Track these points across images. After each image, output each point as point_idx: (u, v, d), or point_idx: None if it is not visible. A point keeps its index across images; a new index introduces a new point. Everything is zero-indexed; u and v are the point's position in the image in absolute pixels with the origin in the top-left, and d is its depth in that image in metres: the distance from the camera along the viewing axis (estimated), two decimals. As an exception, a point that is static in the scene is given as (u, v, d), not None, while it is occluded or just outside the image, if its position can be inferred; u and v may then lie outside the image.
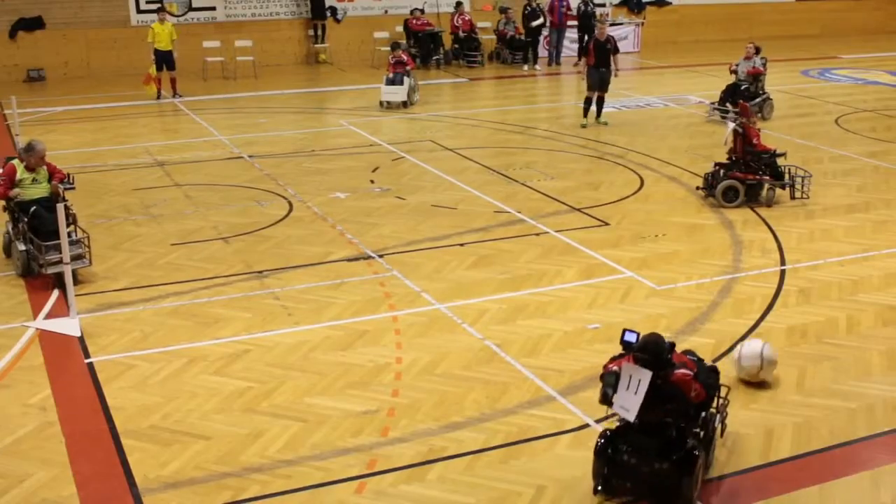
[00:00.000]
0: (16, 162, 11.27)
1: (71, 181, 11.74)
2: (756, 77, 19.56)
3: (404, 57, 21.12)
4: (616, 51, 19.18)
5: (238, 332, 9.68)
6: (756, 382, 8.53)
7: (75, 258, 10.70)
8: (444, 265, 11.46)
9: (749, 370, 8.49)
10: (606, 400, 6.81)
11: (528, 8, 27.03)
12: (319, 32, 27.46)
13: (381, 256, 11.74)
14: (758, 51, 19.76)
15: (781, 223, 12.93)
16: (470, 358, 9.10)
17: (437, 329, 9.73)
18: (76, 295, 10.12)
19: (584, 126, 18.96)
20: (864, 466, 7.31)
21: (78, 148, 17.52)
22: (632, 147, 17.27)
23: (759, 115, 18.32)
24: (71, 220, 11.10)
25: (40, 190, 11.24)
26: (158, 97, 22.37)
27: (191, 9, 25.72)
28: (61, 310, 10.12)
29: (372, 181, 15.13)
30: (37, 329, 9.76)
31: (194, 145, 17.67)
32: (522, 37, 27.58)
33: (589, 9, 27.21)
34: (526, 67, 26.87)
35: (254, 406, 8.23)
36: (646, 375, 6.63)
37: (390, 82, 20.96)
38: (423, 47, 27.04)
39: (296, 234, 12.58)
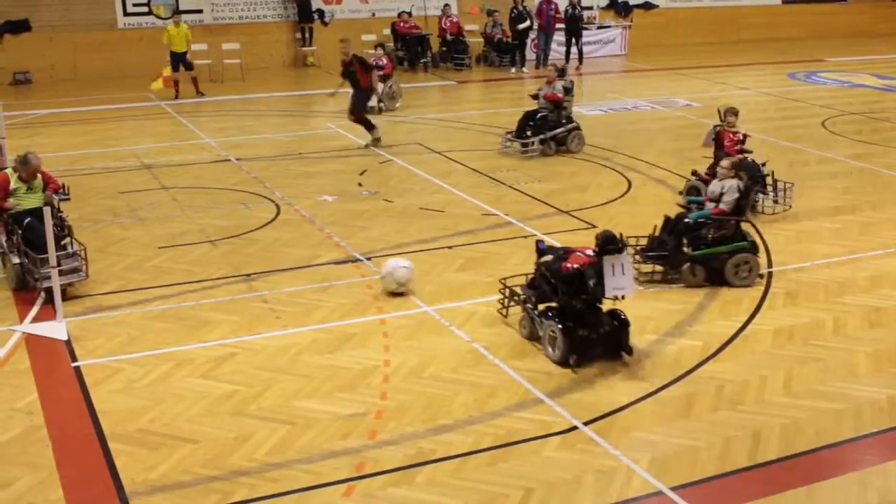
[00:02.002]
0: (9, 171, 11.02)
1: (66, 191, 11.52)
2: (557, 104, 16.97)
3: (383, 61, 20.92)
4: (370, 68, 17.75)
5: (225, 336, 9.65)
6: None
7: (71, 271, 10.57)
8: (432, 268, 11.46)
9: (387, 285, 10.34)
10: (594, 289, 8.86)
11: (514, 11, 27.06)
12: (307, 35, 27.44)
13: (368, 259, 11.73)
14: (562, 74, 17.58)
15: (768, 225, 12.96)
16: (458, 361, 9.10)
17: (425, 332, 9.73)
18: (63, 299, 10.10)
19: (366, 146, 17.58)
20: (851, 468, 7.33)
21: (65, 151, 17.46)
22: (619, 149, 17.30)
23: (565, 147, 16.91)
24: (66, 231, 10.95)
25: (35, 200, 10.90)
26: (176, 97, 22.52)
27: (177, 11, 25.63)
28: (48, 313, 10.08)
29: (359, 184, 15.13)
30: (23, 333, 9.72)
31: (181, 148, 17.63)
32: (510, 40, 27.62)
33: (577, 12, 27.28)
34: (513, 70, 26.89)
35: (241, 409, 8.21)
36: (623, 258, 8.84)
37: None
38: (410, 50, 27.05)
39: (283, 237, 12.56)
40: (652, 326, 9.82)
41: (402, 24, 27.25)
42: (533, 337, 9.42)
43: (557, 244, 10.92)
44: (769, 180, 13.63)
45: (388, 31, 27.61)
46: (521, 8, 27.05)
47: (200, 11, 26.50)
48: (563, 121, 17.08)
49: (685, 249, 10.92)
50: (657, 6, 31.98)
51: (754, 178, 12.77)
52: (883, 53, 30.37)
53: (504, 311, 9.99)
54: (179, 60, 22.55)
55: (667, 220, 11.25)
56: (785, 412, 8.13)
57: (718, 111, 14.12)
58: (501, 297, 10.00)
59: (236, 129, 19.37)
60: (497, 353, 9.23)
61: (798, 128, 19.53)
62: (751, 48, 31.33)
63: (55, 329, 9.73)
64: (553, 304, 9.23)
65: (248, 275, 11.28)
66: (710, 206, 11.25)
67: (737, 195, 11.08)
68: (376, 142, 17.44)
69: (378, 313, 10.19)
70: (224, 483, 7.12)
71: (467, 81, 25.48)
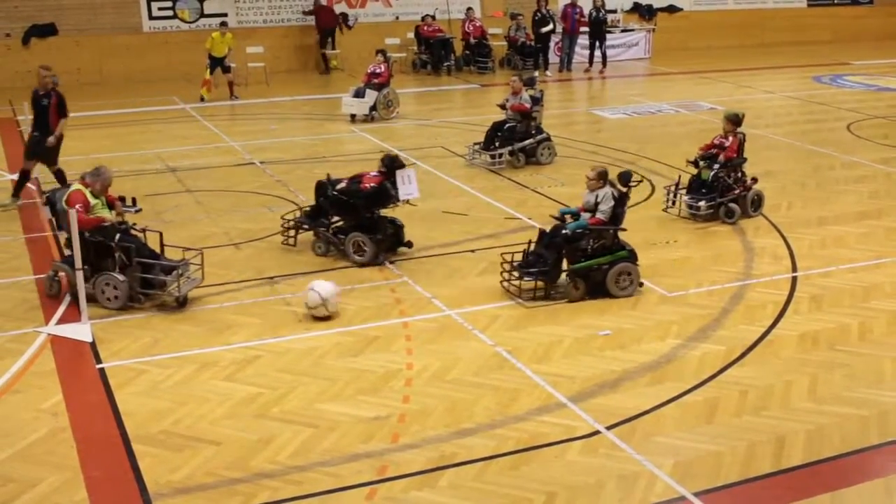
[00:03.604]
0: (80, 187, 10.44)
1: (133, 203, 11.11)
2: (525, 115, 16.46)
3: (380, 69, 20.64)
4: (65, 112, 14.38)
5: (249, 338, 9.69)
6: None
7: (189, 279, 10.49)
8: (455, 271, 11.46)
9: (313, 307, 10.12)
10: (394, 197, 11.74)
11: (538, 14, 27.03)
12: (329, 39, 27.43)
13: (391, 262, 11.74)
14: (530, 83, 17.14)
15: (793, 230, 12.89)
16: (481, 364, 9.09)
17: (447, 335, 9.73)
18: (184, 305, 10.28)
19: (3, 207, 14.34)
20: (876, 474, 7.28)
21: (90, 154, 17.54)
22: (642, 153, 17.25)
23: (535, 160, 16.41)
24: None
25: (109, 214, 10.56)
26: (202, 99, 22.68)
27: (202, 15, 25.80)
28: (73, 315, 10.15)
29: (383, 187, 15.12)
30: (49, 334, 9.79)
31: (206, 151, 17.71)
32: (533, 43, 27.59)
33: (601, 15, 27.22)
34: (536, 74, 26.78)
35: (264, 412, 8.23)
36: (409, 171, 11.88)
37: (355, 94, 20.50)
38: (434, 53, 27.06)
39: (306, 240, 12.58)
40: (675, 331, 9.79)
41: (425, 28, 27.27)
42: (329, 252, 11.84)
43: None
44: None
45: (411, 35, 27.65)
46: (544, 11, 27.02)
47: (225, 15, 26.59)
48: (533, 132, 16.50)
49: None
50: (681, 9, 31.84)
51: (628, 187, 11.14)
52: (910, 57, 30.15)
53: (292, 241, 12.10)
54: (217, 65, 22.84)
55: (542, 233, 11.01)
56: (810, 418, 8.07)
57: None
58: (283, 230, 12.12)
59: (260, 133, 19.44)
60: (520, 356, 9.23)
61: (823, 132, 19.41)
62: (776, 51, 31.16)
63: (80, 331, 9.80)
64: (341, 223, 11.85)
65: (272, 277, 11.32)
66: (585, 216, 10.85)
67: (612, 203, 10.72)
68: (11, 201, 14.41)
69: (401, 316, 10.20)
70: (247, 485, 7.14)
71: (491, 85, 25.46)
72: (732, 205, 13.14)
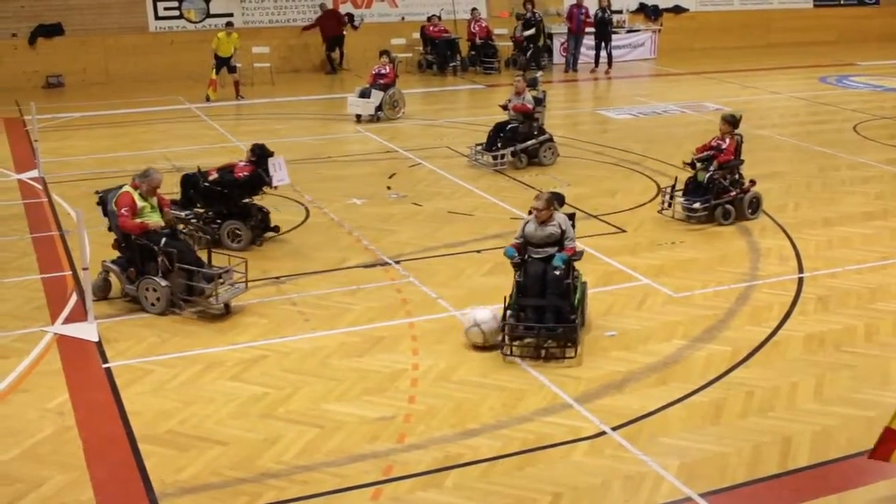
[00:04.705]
0: (129, 189, 10.44)
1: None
2: (528, 115, 16.37)
3: (385, 69, 20.65)
4: None
5: (255, 338, 9.70)
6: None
7: (233, 286, 10.44)
8: (461, 272, 11.46)
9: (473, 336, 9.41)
10: (268, 183, 12.36)
11: (523, 16, 26.89)
12: (336, 46, 27.26)
13: (397, 263, 11.75)
14: (532, 84, 16.90)
15: (799, 231, 12.88)
16: (486, 365, 9.09)
17: (453, 336, 9.72)
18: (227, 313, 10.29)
19: None
20: (882, 476, 7.25)
21: (96, 153, 17.60)
22: (648, 154, 17.24)
23: (537, 161, 16.28)
24: (204, 246, 11.05)
25: (158, 218, 10.52)
26: (208, 99, 22.68)
27: (208, 15, 25.83)
28: (80, 315, 10.16)
29: (388, 187, 15.15)
30: (55, 334, 9.81)
31: (212, 151, 17.70)
32: (540, 44, 27.57)
33: (606, 16, 27.18)
34: (539, 74, 26.45)
35: (270, 412, 8.24)
36: (278, 158, 12.49)
37: (360, 94, 20.50)
38: (439, 54, 27.06)
39: (312, 240, 12.61)
40: (681, 331, 9.78)
41: (431, 28, 27.29)
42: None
43: (591, 250, 10.88)
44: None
45: (417, 35, 27.66)
46: (527, 15, 26.91)
47: (231, 15, 26.63)
48: (535, 132, 16.41)
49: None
50: (687, 10, 31.82)
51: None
52: (916, 57, 30.11)
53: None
54: (223, 64, 22.84)
55: (546, 282, 9.37)
56: (816, 419, 8.06)
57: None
58: None
59: (266, 133, 19.43)
60: (525, 357, 9.21)
61: (829, 132, 19.38)
62: (782, 52, 31.12)
63: (86, 330, 9.81)
64: (210, 213, 12.30)
65: (278, 277, 11.33)
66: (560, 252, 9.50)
67: (572, 225, 9.78)
68: None
69: (407, 317, 10.20)
70: (252, 485, 7.15)
71: (496, 85, 25.44)
72: (729, 206, 13.11)
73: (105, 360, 9.23)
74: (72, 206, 13.45)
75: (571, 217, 9.96)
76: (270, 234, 12.58)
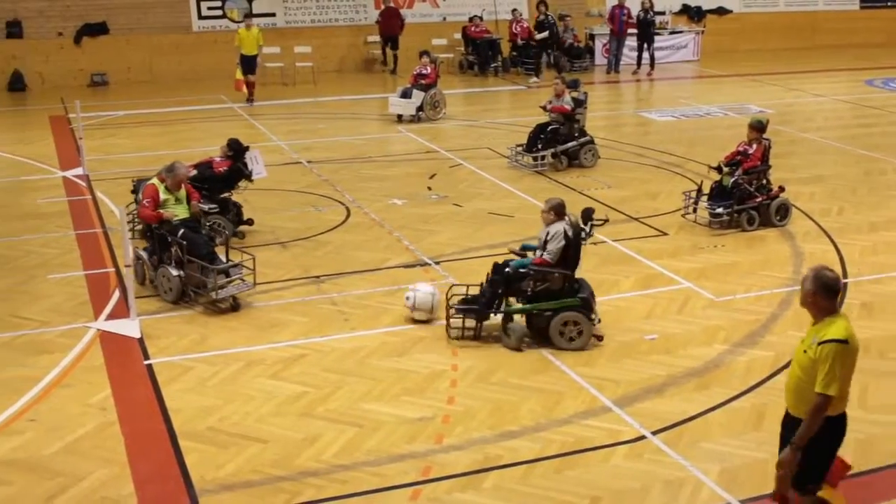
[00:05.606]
0: (156, 182, 10.77)
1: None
2: (568, 117, 16.33)
3: (427, 70, 20.65)
4: None
5: (295, 337, 9.74)
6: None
7: (239, 281, 10.56)
8: (501, 273, 11.42)
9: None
10: (248, 175, 12.74)
11: (538, 17, 26.73)
12: (389, 45, 27.16)
13: (437, 263, 11.75)
14: (574, 85, 16.81)
15: (843, 235, 12.72)
16: (525, 367, 9.07)
17: (493, 337, 9.70)
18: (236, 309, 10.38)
19: None
20: (928, 485, 7.17)
21: (139, 151, 17.77)
22: (690, 156, 17.10)
23: (577, 162, 16.23)
24: (223, 240, 11.05)
25: (182, 210, 10.79)
26: (248, 101, 22.62)
27: (249, 15, 25.93)
28: (122, 311, 10.26)
29: (429, 188, 15.16)
30: (98, 330, 9.91)
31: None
32: (580, 44, 27.43)
33: (649, 17, 27.01)
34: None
35: (310, 410, 8.27)
36: (255, 152, 12.96)
37: (402, 94, 20.51)
38: (481, 55, 27.02)
39: (353, 240, 12.64)
40: (723, 336, 9.70)
41: (472, 29, 27.25)
42: None
43: (632, 253, 10.80)
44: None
45: (458, 36, 27.64)
46: (541, 18, 26.76)
47: (273, 15, 26.78)
48: (576, 134, 16.37)
49: (517, 301, 9.66)
50: (731, 11, 31.54)
51: (590, 224, 9.94)
52: (964, 60, 29.62)
53: None
54: (246, 63, 22.45)
55: (495, 266, 9.87)
56: (860, 427, 7.93)
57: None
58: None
59: (307, 132, 19.54)
60: (564, 360, 9.19)
61: (875, 136, 19.12)
62: (827, 54, 30.77)
63: (129, 327, 9.90)
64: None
65: (318, 277, 11.37)
66: (535, 253, 9.74)
67: (562, 244, 9.37)
68: None
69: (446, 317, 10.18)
70: (292, 483, 7.18)
71: (538, 86, 25.37)
72: (753, 212, 12.95)
73: (147, 357, 9.31)
74: (115, 203, 13.61)
75: (590, 214, 9.86)
76: (244, 226, 12.73)
